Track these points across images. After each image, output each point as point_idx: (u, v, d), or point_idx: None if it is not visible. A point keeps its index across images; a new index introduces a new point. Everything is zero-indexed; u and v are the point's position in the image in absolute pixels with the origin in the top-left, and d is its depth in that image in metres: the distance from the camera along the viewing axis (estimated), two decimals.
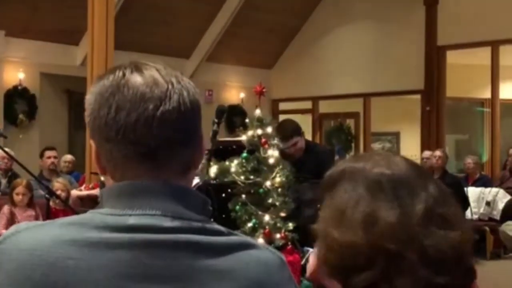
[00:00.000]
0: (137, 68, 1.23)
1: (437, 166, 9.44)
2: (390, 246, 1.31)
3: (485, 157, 12.88)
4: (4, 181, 8.45)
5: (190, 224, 1.19)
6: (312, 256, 1.44)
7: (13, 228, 1.22)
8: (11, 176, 8.36)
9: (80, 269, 1.12)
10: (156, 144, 1.20)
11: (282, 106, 14.92)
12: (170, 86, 1.22)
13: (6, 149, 6.52)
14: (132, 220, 1.17)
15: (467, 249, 1.37)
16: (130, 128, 1.19)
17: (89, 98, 1.24)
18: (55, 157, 8.97)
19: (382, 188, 1.39)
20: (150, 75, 1.22)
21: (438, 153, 9.63)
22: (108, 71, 1.26)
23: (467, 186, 10.28)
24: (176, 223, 1.18)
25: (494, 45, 12.04)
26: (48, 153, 9.02)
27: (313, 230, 1.45)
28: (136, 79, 1.21)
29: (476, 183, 10.43)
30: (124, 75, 1.22)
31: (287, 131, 5.85)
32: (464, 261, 1.37)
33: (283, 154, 5.42)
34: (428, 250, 1.32)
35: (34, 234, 1.18)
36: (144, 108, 1.19)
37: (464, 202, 8.83)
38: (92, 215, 1.20)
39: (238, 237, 1.26)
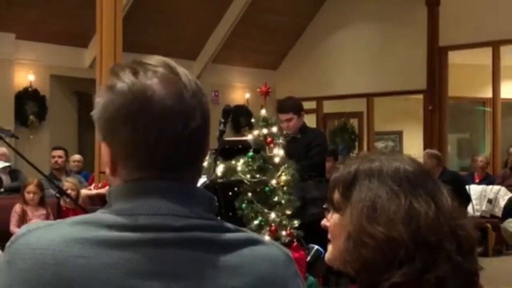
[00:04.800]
0: (165, 70, 1.20)
1: None
2: (432, 239, 1.35)
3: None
4: (5, 177, 8.43)
5: (198, 222, 1.19)
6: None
7: (24, 228, 1.21)
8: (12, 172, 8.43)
9: (91, 267, 1.12)
10: (180, 161, 1.21)
11: None
12: (193, 99, 1.20)
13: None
14: (141, 220, 1.16)
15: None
16: (158, 147, 1.18)
17: (108, 104, 1.20)
18: (59, 157, 8.93)
19: (412, 183, 1.40)
20: (174, 85, 1.19)
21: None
22: (122, 71, 1.21)
23: (473, 183, 10.27)
24: (184, 222, 1.18)
25: (495, 45, 12.02)
26: (53, 152, 9.02)
27: (336, 226, 1.46)
28: (161, 91, 1.18)
29: (484, 181, 10.43)
30: (147, 85, 1.18)
31: (285, 105, 5.89)
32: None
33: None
34: (462, 240, 1.38)
35: (45, 234, 1.17)
36: (173, 127, 1.17)
37: (464, 197, 8.75)
38: (101, 215, 1.19)
39: (245, 234, 1.25)
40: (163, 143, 1.18)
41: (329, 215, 1.50)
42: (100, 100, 1.22)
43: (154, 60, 1.24)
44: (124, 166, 1.21)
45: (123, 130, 1.18)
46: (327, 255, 1.52)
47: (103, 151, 1.25)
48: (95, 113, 1.23)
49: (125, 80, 1.19)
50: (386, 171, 1.42)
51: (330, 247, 1.51)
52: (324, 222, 1.52)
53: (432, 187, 1.42)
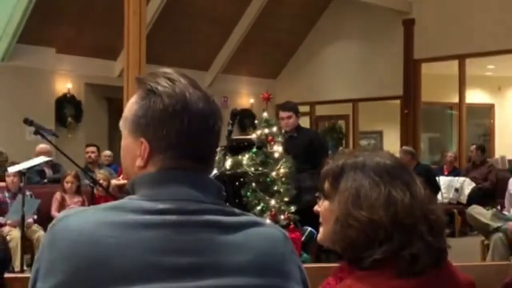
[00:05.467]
0: (188, 80, 1.22)
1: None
2: (407, 221, 1.35)
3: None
4: (48, 170, 8.42)
5: (209, 207, 1.19)
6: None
7: (63, 213, 1.21)
8: (54, 166, 8.42)
9: (119, 246, 1.12)
10: (209, 153, 1.23)
11: None
12: (214, 104, 1.23)
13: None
14: (162, 205, 1.16)
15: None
16: (196, 139, 1.19)
17: (152, 104, 1.19)
18: (92, 152, 8.91)
19: (390, 174, 1.40)
20: (200, 91, 1.22)
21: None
22: (158, 79, 1.21)
23: (443, 175, 10.27)
24: (198, 206, 1.18)
25: (461, 58, 12.01)
26: (87, 149, 9.03)
27: (326, 212, 1.45)
28: (194, 95, 1.20)
29: (452, 173, 10.45)
30: (185, 89, 1.20)
31: (287, 105, 6.03)
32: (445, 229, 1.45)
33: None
34: (433, 223, 1.38)
35: (81, 218, 1.17)
36: (207, 124, 1.20)
37: (435, 187, 8.77)
38: (128, 201, 1.19)
39: (249, 217, 1.25)
40: (201, 136, 1.20)
41: (320, 202, 1.50)
42: (139, 102, 1.21)
43: (174, 71, 1.24)
44: (163, 157, 1.20)
45: (169, 125, 1.18)
46: (319, 236, 1.51)
47: (134, 147, 1.23)
48: (132, 114, 1.22)
49: (165, 85, 1.20)
50: (368, 165, 1.41)
51: (321, 229, 1.51)
52: (316, 207, 1.51)
53: (408, 178, 1.41)
